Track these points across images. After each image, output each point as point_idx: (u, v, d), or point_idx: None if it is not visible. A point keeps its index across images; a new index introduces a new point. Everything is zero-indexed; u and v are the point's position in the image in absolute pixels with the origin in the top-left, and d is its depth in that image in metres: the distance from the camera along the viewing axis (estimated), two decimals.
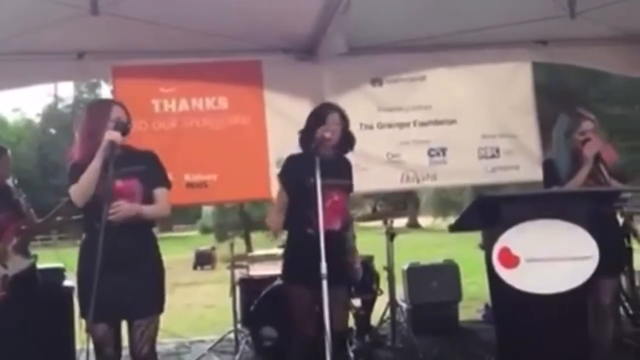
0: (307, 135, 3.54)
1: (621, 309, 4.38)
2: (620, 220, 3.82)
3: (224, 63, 5.55)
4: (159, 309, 3.15)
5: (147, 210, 3.13)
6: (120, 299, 2.97)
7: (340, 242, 3.43)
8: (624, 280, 4.66)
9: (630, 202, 3.87)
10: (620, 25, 5.35)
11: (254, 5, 4.49)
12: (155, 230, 3.31)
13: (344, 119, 3.57)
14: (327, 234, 3.22)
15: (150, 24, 4.50)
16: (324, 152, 3.44)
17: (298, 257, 3.43)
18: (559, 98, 8.36)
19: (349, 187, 3.59)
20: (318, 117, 3.55)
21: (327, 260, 3.16)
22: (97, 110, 3.23)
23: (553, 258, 2.99)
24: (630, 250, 3.72)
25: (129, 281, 3.00)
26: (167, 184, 3.28)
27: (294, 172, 3.49)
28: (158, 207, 3.19)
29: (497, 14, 4.92)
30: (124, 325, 3.16)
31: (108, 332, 3.03)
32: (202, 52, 5.37)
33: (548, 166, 3.87)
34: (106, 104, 3.33)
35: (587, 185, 3.59)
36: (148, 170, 3.18)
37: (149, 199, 3.16)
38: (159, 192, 3.21)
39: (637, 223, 4.06)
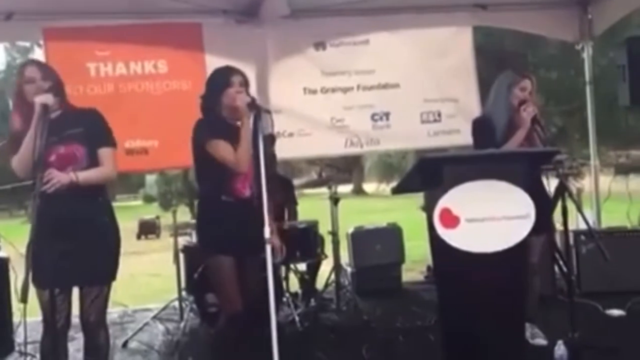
0: (210, 98, 3.32)
1: (556, 267, 4.55)
2: (556, 180, 3.93)
3: (162, 25, 5.38)
4: (110, 277, 3.08)
5: (85, 175, 2.97)
6: (69, 265, 2.88)
7: (252, 210, 3.22)
8: (558, 239, 4.84)
9: (565, 164, 3.99)
10: None
11: None
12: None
13: (247, 82, 3.41)
14: (238, 200, 3.20)
15: None
16: (229, 115, 3.29)
17: (215, 225, 3.28)
18: (497, 62, 8.51)
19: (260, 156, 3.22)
20: (221, 78, 3.31)
21: (240, 229, 3.13)
22: (16, 74, 3.09)
23: (492, 218, 3.05)
24: (565, 210, 3.83)
25: (78, 248, 2.91)
26: (111, 143, 3.12)
27: (199, 137, 3.26)
28: (100, 170, 3.04)
29: None
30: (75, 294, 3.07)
31: (57, 299, 2.93)
32: (140, 14, 5.21)
33: (484, 124, 3.90)
34: (20, 68, 3.17)
35: (522, 147, 3.69)
36: (90, 131, 3.04)
37: (93, 162, 3.03)
38: (103, 153, 3.06)
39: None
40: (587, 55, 6.15)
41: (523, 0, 5.72)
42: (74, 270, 2.91)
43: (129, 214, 20.06)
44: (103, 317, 3.09)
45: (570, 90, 9.02)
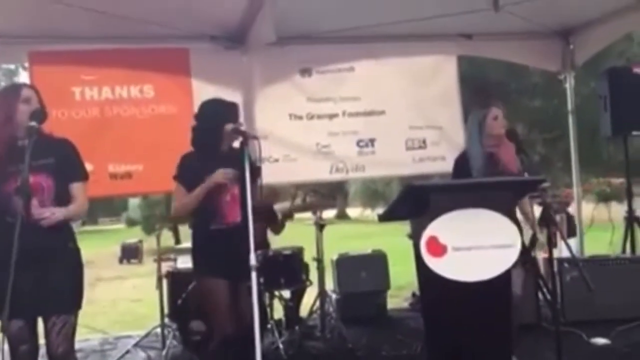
0: (206, 131, 3.45)
1: (540, 295, 4.55)
2: (540, 209, 3.96)
3: (149, 50, 5.39)
4: (76, 306, 3.02)
5: (70, 212, 2.99)
6: (34, 295, 2.84)
7: (241, 236, 3.30)
8: (542, 267, 4.86)
9: (549, 192, 4.02)
10: (539, 20, 5.56)
11: None
12: (76, 224, 3.17)
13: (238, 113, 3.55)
14: (229, 226, 3.33)
15: (72, 7, 4.30)
16: (223, 147, 3.45)
17: (207, 252, 3.41)
18: (482, 91, 8.63)
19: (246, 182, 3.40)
20: (220, 112, 3.46)
21: (232, 255, 3.20)
22: (8, 93, 3.05)
23: (478, 246, 3.06)
24: (549, 238, 3.85)
25: (44, 277, 2.87)
26: (83, 177, 3.10)
27: (191, 169, 3.42)
28: (77, 206, 3.03)
29: (424, 6, 5.00)
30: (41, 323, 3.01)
31: (23, 329, 2.88)
32: (127, 38, 5.20)
33: (462, 163, 3.89)
34: (14, 87, 3.18)
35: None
36: (61, 162, 2.99)
37: (61, 195, 2.99)
38: (76, 188, 3.04)
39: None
40: (569, 85, 6.26)
41: (507, 31, 5.81)
42: (43, 299, 2.87)
43: (111, 237, 19.85)
44: (72, 348, 3.03)
45: (553, 118, 9.15)
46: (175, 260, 5.40)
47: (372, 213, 22.71)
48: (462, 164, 3.91)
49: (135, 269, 13.98)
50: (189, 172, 3.43)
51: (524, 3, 4.73)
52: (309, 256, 5.36)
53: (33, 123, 2.88)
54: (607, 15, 5.58)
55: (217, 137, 3.43)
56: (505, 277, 3.14)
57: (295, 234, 5.76)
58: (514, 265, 3.48)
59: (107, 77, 5.31)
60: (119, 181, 5.32)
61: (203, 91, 5.38)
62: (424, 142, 6.11)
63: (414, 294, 6.21)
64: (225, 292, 3.31)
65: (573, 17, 5.78)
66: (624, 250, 5.45)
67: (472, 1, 4.56)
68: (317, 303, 5.33)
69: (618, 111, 5.46)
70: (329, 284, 5.83)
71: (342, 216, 28.42)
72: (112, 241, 17.95)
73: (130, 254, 16.14)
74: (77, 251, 3.07)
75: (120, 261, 15.94)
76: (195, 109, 5.07)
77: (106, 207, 27.56)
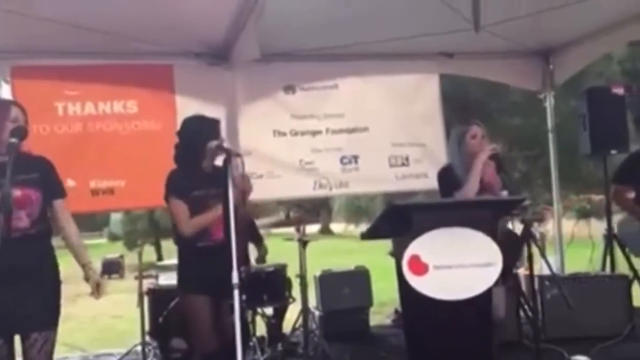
0: (190, 148, 3.47)
1: (521, 312, 4.59)
2: (521, 227, 4.00)
3: (133, 66, 5.39)
4: (56, 322, 3.01)
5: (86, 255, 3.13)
6: (15, 311, 2.82)
7: (225, 253, 3.33)
8: (524, 284, 4.90)
9: (530, 210, 4.06)
10: (519, 40, 5.65)
11: (167, 7, 4.37)
12: (56, 238, 3.14)
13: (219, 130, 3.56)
14: (215, 244, 3.34)
15: (55, 23, 4.29)
16: (205, 164, 3.46)
17: (192, 268, 3.42)
18: (463, 109, 8.73)
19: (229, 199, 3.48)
20: (204, 130, 3.47)
21: (217, 272, 3.19)
22: None
23: (460, 265, 3.09)
24: (530, 256, 3.90)
25: (24, 293, 2.85)
26: (65, 194, 3.14)
27: (178, 185, 3.44)
28: (72, 225, 3.10)
29: (407, 25, 5.06)
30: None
31: (2, 348, 2.86)
32: (111, 54, 5.19)
33: (447, 171, 3.97)
34: (5, 104, 3.15)
35: (485, 191, 3.74)
36: (44, 178, 3.02)
37: (44, 210, 3.01)
38: (60, 204, 3.07)
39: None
40: (549, 104, 6.35)
41: (487, 50, 5.90)
42: (22, 315, 2.85)
43: (92, 252, 19.40)
44: None
45: (533, 136, 9.27)
46: (157, 277, 5.36)
47: (356, 229, 22.72)
48: (446, 175, 3.95)
49: (116, 285, 13.80)
50: (179, 187, 3.44)
51: (504, 23, 4.81)
52: (292, 272, 5.35)
53: (14, 140, 2.87)
54: (586, 35, 5.69)
55: (199, 155, 3.45)
56: (486, 295, 3.16)
57: (279, 250, 5.76)
58: (496, 285, 3.54)
59: (91, 92, 5.30)
60: (100, 197, 5.30)
61: (187, 107, 5.38)
62: (407, 159, 6.16)
63: (396, 311, 6.21)
64: (209, 309, 3.32)
65: (553, 37, 5.89)
66: (603, 268, 5.51)
67: (453, 21, 4.62)
68: (300, 320, 5.31)
69: (597, 130, 5.56)
70: (312, 301, 5.81)
71: (326, 231, 28.40)
72: (93, 256, 17.69)
73: (111, 269, 15.98)
74: (56, 267, 3.06)
75: (101, 276, 15.74)
76: (179, 125, 5.09)
77: (87, 222, 27.24)
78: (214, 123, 3.54)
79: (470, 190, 3.70)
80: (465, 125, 3.94)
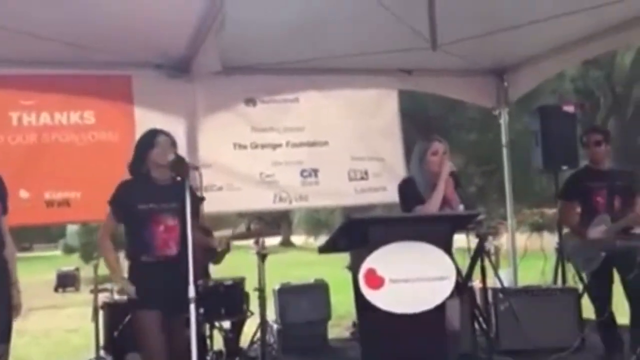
0: (137, 159, 3.47)
1: (476, 325, 4.67)
2: (476, 240, 4.10)
3: (91, 76, 5.32)
4: (7, 337, 2.97)
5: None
6: None
7: (177, 268, 3.28)
8: (479, 296, 4.99)
9: (484, 224, 4.16)
10: (475, 59, 5.80)
11: (126, 18, 4.33)
12: (9, 252, 3.09)
13: (173, 143, 3.53)
14: (161, 259, 3.31)
15: (11, 31, 4.22)
16: (157, 176, 3.42)
17: (138, 283, 3.38)
18: (421, 124, 8.89)
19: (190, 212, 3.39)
20: (147, 140, 3.47)
21: (166, 287, 3.21)
22: None
23: (415, 279, 3.14)
24: (483, 269, 4.00)
25: None
26: (6, 210, 3.13)
27: (124, 197, 3.43)
28: (10, 241, 3.08)
29: (367, 42, 5.14)
30: None
31: None
32: (68, 64, 5.12)
33: (409, 184, 4.00)
34: None
35: (445, 205, 3.83)
36: None
37: None
38: (4, 221, 3.08)
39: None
40: (503, 120, 6.52)
41: (444, 68, 6.02)
42: None
43: (46, 264, 19.15)
44: None
45: (489, 152, 9.50)
46: (112, 290, 5.28)
47: (316, 241, 22.76)
48: (407, 187, 3.97)
49: (71, 298, 13.54)
50: (122, 200, 3.43)
51: (460, 42, 4.92)
52: (250, 286, 5.34)
53: None
54: (539, 55, 5.87)
55: (143, 165, 3.45)
56: (440, 308, 3.22)
57: (239, 263, 5.74)
58: (451, 297, 3.61)
59: (47, 102, 5.22)
60: (55, 208, 5.20)
61: (146, 118, 5.34)
62: (366, 173, 6.23)
63: (354, 324, 6.23)
64: (158, 325, 3.27)
65: (507, 56, 6.05)
66: (555, 281, 5.66)
67: (411, 39, 4.71)
68: (258, 333, 5.29)
69: (548, 146, 5.73)
70: (271, 314, 5.80)
71: (287, 244, 28.35)
72: (47, 268, 17.33)
73: (66, 282, 15.62)
74: (6, 278, 3.03)
75: (56, 289, 15.40)
76: (138, 136, 5.06)
77: (42, 233, 26.66)
78: (165, 133, 3.51)
79: (433, 206, 3.75)
80: (427, 141, 4.00)
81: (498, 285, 5.10)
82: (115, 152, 5.24)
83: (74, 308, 10.97)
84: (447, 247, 3.28)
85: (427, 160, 3.90)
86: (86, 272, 14.45)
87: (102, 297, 5.17)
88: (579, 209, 4.60)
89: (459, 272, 3.83)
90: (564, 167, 5.86)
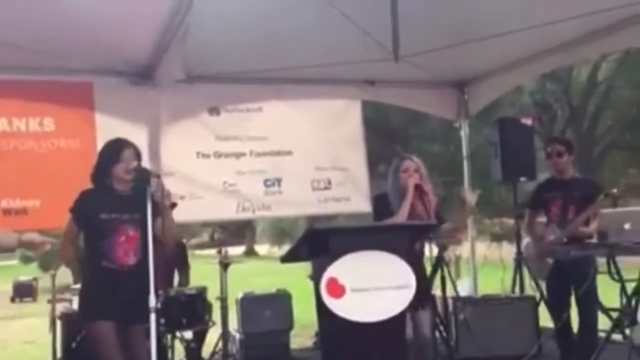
0: (101, 170, 3.45)
1: (437, 333, 4.73)
2: (436, 250, 4.16)
3: (50, 82, 5.24)
4: None
5: None
6: None
7: (136, 278, 3.28)
8: (440, 305, 5.06)
9: (444, 233, 4.24)
10: (436, 71, 5.91)
11: (89, 24, 4.27)
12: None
13: (138, 155, 3.52)
14: (121, 268, 3.29)
15: None
16: (120, 187, 3.43)
17: (98, 292, 3.34)
18: (384, 135, 8.99)
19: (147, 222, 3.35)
20: (112, 153, 3.45)
21: (122, 297, 3.19)
22: None
23: (375, 287, 3.17)
24: (443, 278, 4.06)
25: None
26: None
27: (86, 207, 3.41)
28: None
29: (330, 52, 5.18)
30: None
31: None
32: (27, 69, 5.03)
33: (382, 199, 4.14)
34: None
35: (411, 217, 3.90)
36: None
37: None
38: None
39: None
40: (464, 132, 6.64)
41: (406, 80, 6.11)
42: None
43: (3, 274, 18.66)
44: None
45: (450, 163, 9.65)
46: (71, 301, 5.19)
47: (279, 250, 22.71)
48: (381, 201, 4.11)
49: (28, 308, 13.22)
50: (84, 208, 3.40)
51: (422, 55, 5.01)
52: (213, 295, 5.31)
53: None
54: (499, 68, 6.01)
55: (110, 177, 3.44)
56: (401, 317, 3.26)
57: (202, 272, 5.71)
58: (423, 307, 3.70)
59: (5, 108, 5.11)
60: (13, 217, 5.09)
61: (108, 126, 5.29)
62: (330, 182, 6.27)
63: (317, 333, 6.25)
64: (113, 336, 3.22)
65: (467, 69, 6.18)
66: (513, 290, 5.78)
67: (375, 50, 4.78)
68: (220, 343, 5.27)
69: (507, 158, 5.85)
70: (233, 324, 5.78)
71: (250, 253, 28.20)
72: (4, 278, 16.90)
73: (24, 292, 15.26)
74: None
75: (12, 300, 15.05)
76: (100, 143, 5.01)
77: None
78: (132, 146, 3.49)
79: (401, 217, 3.88)
80: (400, 159, 4.15)
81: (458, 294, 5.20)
82: (76, 159, 5.16)
83: (31, 319, 10.72)
84: (408, 256, 3.32)
85: (398, 176, 4.04)
86: (44, 281, 14.13)
87: (60, 308, 5.08)
88: (544, 218, 4.73)
89: (428, 281, 3.94)
90: (522, 179, 5.99)
